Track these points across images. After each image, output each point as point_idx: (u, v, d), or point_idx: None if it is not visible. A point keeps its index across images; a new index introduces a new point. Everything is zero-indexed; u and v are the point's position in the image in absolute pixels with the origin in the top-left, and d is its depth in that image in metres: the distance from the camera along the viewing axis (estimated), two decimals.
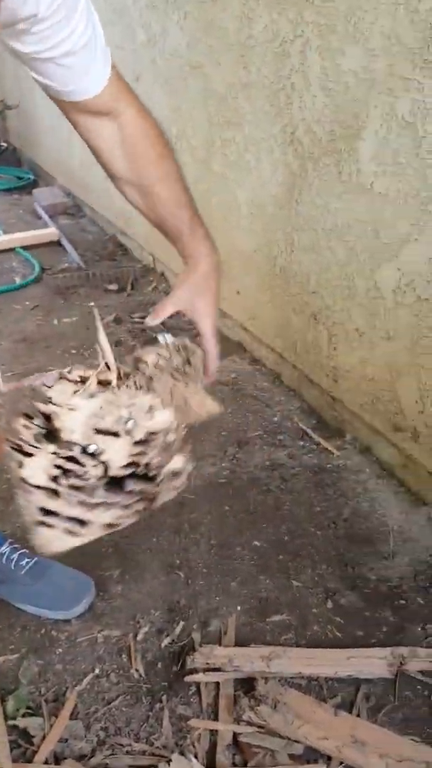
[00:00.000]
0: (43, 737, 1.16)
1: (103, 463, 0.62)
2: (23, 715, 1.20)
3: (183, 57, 2.33)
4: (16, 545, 1.44)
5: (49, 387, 0.62)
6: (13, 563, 1.41)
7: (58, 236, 3.54)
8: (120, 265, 3.28)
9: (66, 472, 0.61)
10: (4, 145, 5.41)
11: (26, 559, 1.42)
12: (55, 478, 0.61)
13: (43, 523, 0.61)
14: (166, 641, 1.34)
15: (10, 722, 1.19)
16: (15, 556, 1.42)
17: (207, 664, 1.24)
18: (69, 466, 0.61)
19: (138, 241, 3.24)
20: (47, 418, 0.61)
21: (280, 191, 1.96)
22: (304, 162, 1.82)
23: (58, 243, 3.51)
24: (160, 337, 0.86)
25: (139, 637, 1.35)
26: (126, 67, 2.45)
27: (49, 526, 0.61)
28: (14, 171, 4.90)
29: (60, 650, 1.33)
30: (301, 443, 1.93)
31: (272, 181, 1.99)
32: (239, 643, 1.32)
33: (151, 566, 1.52)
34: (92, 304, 2.93)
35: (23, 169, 4.94)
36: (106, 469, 0.62)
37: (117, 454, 0.62)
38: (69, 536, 0.63)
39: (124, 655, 1.32)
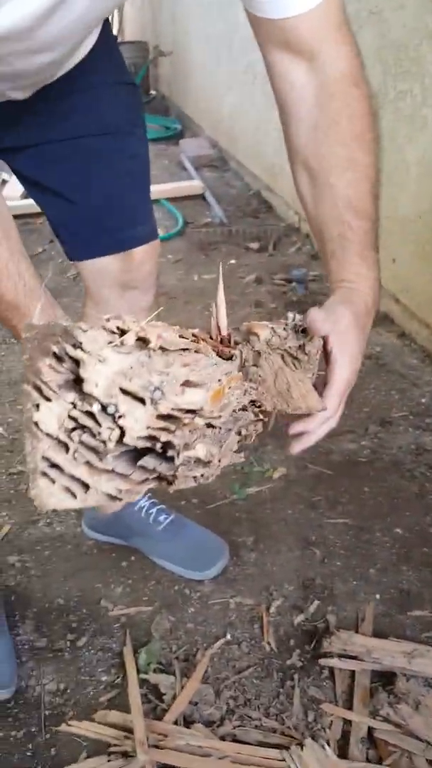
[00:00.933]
0: (174, 696, 1.17)
1: (120, 428, 0.55)
2: (154, 671, 1.22)
3: (360, 2, 2.19)
4: (154, 500, 1.45)
5: (84, 331, 0.55)
6: (152, 518, 1.42)
7: (202, 189, 3.52)
8: (264, 223, 3.22)
9: (80, 427, 0.55)
10: (153, 93, 5.42)
11: (164, 515, 1.43)
12: (68, 430, 0.55)
13: (45, 475, 0.56)
14: (299, 618, 1.32)
15: (142, 675, 1.20)
16: (153, 510, 1.43)
17: (344, 650, 1.20)
18: (84, 421, 0.55)
19: (284, 198, 3.16)
20: (77, 363, 0.55)
21: None
22: None
23: (202, 197, 3.50)
24: (289, 314, 0.79)
25: (272, 609, 1.34)
26: None
27: (50, 479, 0.56)
28: (162, 120, 4.90)
29: (192, 610, 1.34)
30: None
31: None
32: (377, 633, 1.27)
33: (285, 538, 1.50)
34: (233, 261, 2.91)
35: (171, 119, 4.93)
36: (122, 436, 0.55)
37: (137, 423, 0.55)
38: (68, 496, 0.56)
39: (256, 626, 1.31)
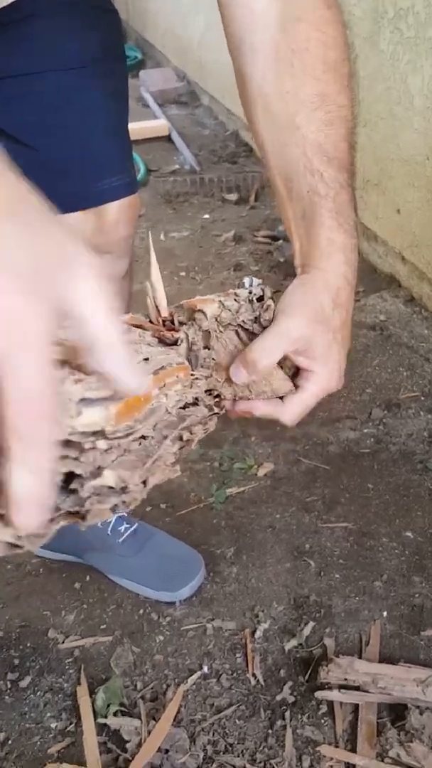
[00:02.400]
0: (139, 743, 1.16)
1: None
2: (115, 713, 1.21)
3: None
4: None
5: None
6: (110, 528, 1.40)
7: (168, 130, 3.50)
8: (243, 170, 3.21)
9: None
10: None
11: (125, 525, 1.41)
12: None
13: None
14: (291, 644, 1.31)
15: (100, 720, 1.20)
16: (112, 519, 1.41)
17: (344, 680, 1.20)
18: None
19: None
20: None
21: None
22: None
23: (168, 138, 3.47)
24: (246, 280, 0.76)
25: (258, 634, 1.33)
26: None
27: None
28: None
29: (161, 638, 1.33)
30: None
31: None
32: (384, 658, 1.27)
33: (273, 548, 1.49)
34: (207, 216, 2.89)
35: (129, 46, 4.89)
36: None
37: None
38: None
39: (238, 655, 1.30)
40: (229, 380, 0.69)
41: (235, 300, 0.73)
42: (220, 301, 0.73)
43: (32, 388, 0.36)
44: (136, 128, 3.45)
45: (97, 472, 0.57)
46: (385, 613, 1.36)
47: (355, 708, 1.19)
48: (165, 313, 0.70)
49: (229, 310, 0.72)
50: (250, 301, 0.74)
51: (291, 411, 0.72)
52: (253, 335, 0.73)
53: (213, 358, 0.69)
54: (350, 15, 2.27)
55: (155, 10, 4.30)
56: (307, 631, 1.33)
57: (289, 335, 0.69)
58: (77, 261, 0.40)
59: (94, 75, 1.09)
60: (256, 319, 0.73)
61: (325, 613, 1.36)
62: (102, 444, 0.56)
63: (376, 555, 1.47)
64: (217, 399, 0.68)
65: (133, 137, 1.22)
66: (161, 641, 1.32)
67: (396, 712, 1.18)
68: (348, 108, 0.77)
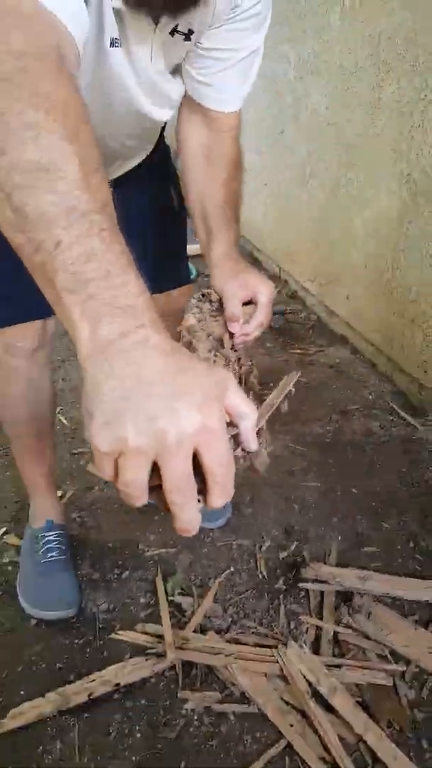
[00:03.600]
0: (193, 613, 1.16)
1: None
2: (178, 594, 1.21)
3: (322, 116, 2.21)
4: None
5: None
6: None
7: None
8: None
9: None
10: None
11: None
12: None
13: None
14: (283, 554, 1.31)
15: (170, 598, 1.20)
16: None
17: (315, 576, 1.20)
18: None
19: (268, 254, 3.17)
20: None
21: (394, 217, 1.83)
22: (416, 197, 1.68)
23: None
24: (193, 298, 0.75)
25: (263, 548, 1.33)
26: (274, 122, 2.34)
27: None
28: None
29: (205, 549, 1.33)
30: (391, 417, 1.81)
31: (387, 211, 1.86)
32: (339, 564, 1.26)
33: (273, 498, 1.49)
34: None
35: None
36: None
37: None
38: None
39: (252, 560, 1.30)
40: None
41: (197, 308, 0.74)
42: (191, 313, 0.72)
43: (225, 457, 0.38)
44: (190, 248, 3.50)
45: None
46: (339, 537, 1.35)
47: (322, 594, 1.19)
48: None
49: (197, 314, 0.73)
50: (203, 301, 0.74)
51: (265, 313, 0.75)
52: (220, 311, 0.74)
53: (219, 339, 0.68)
54: (319, 181, 2.30)
55: None
56: (293, 547, 1.33)
57: (234, 292, 0.73)
58: (228, 381, 0.39)
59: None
60: (209, 302, 0.74)
61: (304, 536, 1.36)
62: None
63: (334, 503, 1.46)
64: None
65: (189, 253, 1.25)
66: (206, 551, 1.32)
67: (346, 597, 1.17)
68: (238, 192, 0.86)
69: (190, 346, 0.67)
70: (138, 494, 0.38)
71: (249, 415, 0.41)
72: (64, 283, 0.37)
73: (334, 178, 2.17)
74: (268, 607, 1.18)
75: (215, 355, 0.66)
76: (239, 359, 0.70)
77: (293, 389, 0.69)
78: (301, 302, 2.66)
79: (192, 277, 3.09)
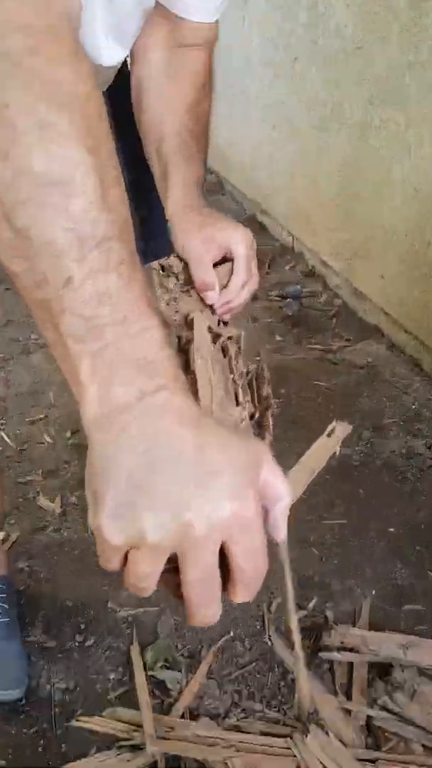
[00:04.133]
0: (180, 691, 1.17)
1: None
2: (161, 668, 1.22)
3: (346, 39, 2.24)
4: None
5: None
6: None
7: None
8: (258, 244, 3.23)
9: None
10: None
11: None
12: None
13: None
14: (299, 614, 1.32)
15: (150, 672, 1.20)
16: None
17: (342, 643, 1.21)
18: None
19: (277, 219, 3.19)
20: None
21: None
22: None
23: None
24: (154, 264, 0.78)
25: (273, 607, 1.34)
26: (286, 48, 2.38)
27: None
28: None
29: None
30: None
31: None
32: (373, 627, 1.28)
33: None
34: None
35: None
36: None
37: None
38: None
39: (257, 623, 1.31)
40: None
41: (163, 287, 0.76)
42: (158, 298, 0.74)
43: (258, 552, 0.40)
44: None
45: None
46: (373, 591, 1.36)
47: (351, 666, 1.20)
48: None
49: (165, 290, 0.75)
50: (165, 275, 0.76)
51: (245, 268, 0.76)
52: (191, 282, 0.75)
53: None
54: (344, 122, 2.33)
55: None
56: (311, 604, 1.34)
57: (199, 253, 0.74)
58: (264, 456, 0.41)
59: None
60: (177, 277, 0.76)
61: (326, 591, 1.37)
62: None
63: (366, 545, 1.48)
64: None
65: None
66: None
67: (382, 669, 1.18)
68: (207, 114, 0.89)
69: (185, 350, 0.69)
70: (150, 587, 0.40)
71: (284, 497, 0.42)
72: (72, 329, 0.38)
73: (362, 120, 2.20)
74: (279, 683, 1.19)
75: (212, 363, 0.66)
76: (238, 349, 0.71)
77: (339, 448, 0.70)
78: (321, 282, 2.68)
79: None
